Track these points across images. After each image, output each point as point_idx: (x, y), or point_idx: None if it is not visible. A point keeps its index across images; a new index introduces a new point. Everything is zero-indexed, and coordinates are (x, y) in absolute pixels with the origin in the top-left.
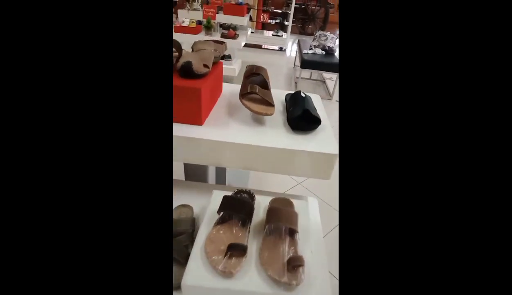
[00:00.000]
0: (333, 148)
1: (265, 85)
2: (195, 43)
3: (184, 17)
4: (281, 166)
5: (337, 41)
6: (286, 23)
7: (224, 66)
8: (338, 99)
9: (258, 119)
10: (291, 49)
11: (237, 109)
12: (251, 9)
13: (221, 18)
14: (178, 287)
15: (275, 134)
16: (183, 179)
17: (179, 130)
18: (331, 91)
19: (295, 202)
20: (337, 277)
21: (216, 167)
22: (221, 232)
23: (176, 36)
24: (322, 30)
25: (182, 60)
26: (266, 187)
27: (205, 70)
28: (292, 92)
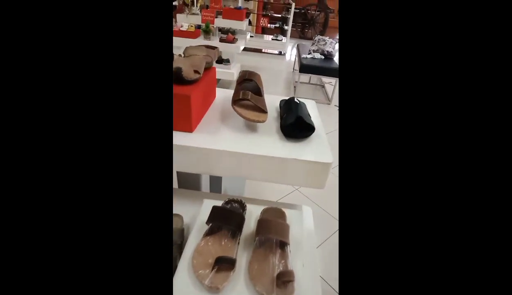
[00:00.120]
0: (327, 156)
1: (258, 91)
2: (186, 48)
3: (183, 21)
4: (273, 175)
5: (336, 46)
6: (285, 27)
7: (222, 70)
8: (337, 104)
9: (251, 126)
10: (291, 54)
11: (230, 116)
12: (251, 14)
13: (220, 22)
14: None
15: (267, 142)
16: (176, 186)
17: None
18: (330, 95)
19: (288, 211)
20: (333, 286)
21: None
22: (210, 243)
23: (175, 40)
24: (322, 34)
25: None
26: (262, 193)
27: (195, 76)
28: (287, 98)
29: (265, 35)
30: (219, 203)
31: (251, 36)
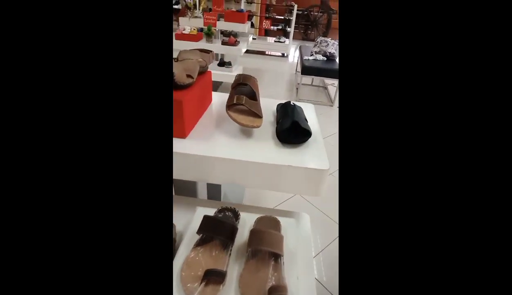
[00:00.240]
0: (323, 162)
1: (253, 95)
2: (180, 52)
3: (186, 24)
4: (267, 182)
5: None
6: (288, 29)
7: (224, 73)
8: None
9: (246, 131)
10: (294, 55)
11: (225, 121)
12: (254, 16)
13: (222, 25)
14: None
15: (262, 148)
16: (173, 192)
17: None
18: (332, 97)
19: (284, 219)
20: (334, 294)
21: None
22: (200, 254)
23: (177, 44)
24: (325, 36)
25: None
26: (263, 198)
27: (188, 81)
28: (284, 102)
29: (268, 38)
30: (212, 211)
31: (253, 39)
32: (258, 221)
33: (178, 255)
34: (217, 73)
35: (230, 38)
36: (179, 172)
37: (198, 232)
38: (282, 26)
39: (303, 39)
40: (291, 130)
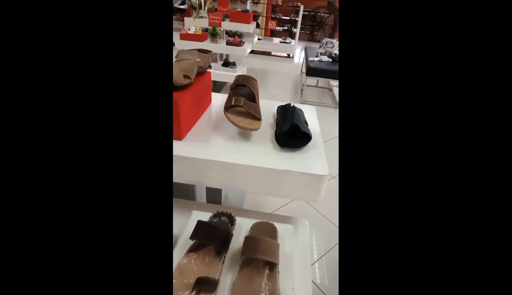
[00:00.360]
0: (322, 168)
1: (252, 97)
2: (178, 52)
3: (191, 24)
4: (264, 187)
5: None
6: (294, 30)
7: (228, 73)
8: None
9: (244, 134)
10: (300, 56)
11: (223, 123)
12: (259, 17)
13: (227, 25)
14: None
15: (260, 152)
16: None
17: None
18: (337, 99)
19: (281, 225)
20: None
21: None
22: (193, 261)
23: (182, 43)
24: (331, 37)
25: None
26: (265, 200)
27: (185, 81)
28: (283, 104)
29: (274, 38)
30: (208, 215)
31: (259, 39)
32: (254, 227)
33: None
34: (221, 74)
35: (235, 39)
36: (174, 174)
37: (191, 237)
38: (288, 27)
39: (309, 40)
40: (290, 133)
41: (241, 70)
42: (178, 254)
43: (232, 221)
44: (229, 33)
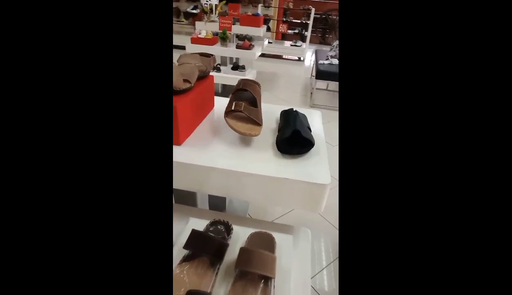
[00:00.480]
0: (324, 177)
1: (253, 102)
2: (180, 56)
3: (202, 28)
4: (264, 195)
5: None
6: (305, 33)
7: (237, 77)
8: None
9: (245, 139)
10: (311, 59)
11: (224, 128)
12: (271, 20)
13: (238, 29)
14: None
15: (260, 158)
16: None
17: None
18: None
19: (281, 235)
20: None
21: None
22: (185, 272)
23: (193, 47)
24: None
25: None
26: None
27: (185, 85)
28: (286, 108)
29: (285, 41)
30: (206, 223)
31: (269, 42)
32: (251, 237)
33: None
34: (230, 77)
35: (245, 42)
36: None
37: (185, 247)
38: (299, 30)
39: (320, 43)
40: (292, 139)
41: (250, 74)
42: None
43: (229, 230)
44: (239, 37)
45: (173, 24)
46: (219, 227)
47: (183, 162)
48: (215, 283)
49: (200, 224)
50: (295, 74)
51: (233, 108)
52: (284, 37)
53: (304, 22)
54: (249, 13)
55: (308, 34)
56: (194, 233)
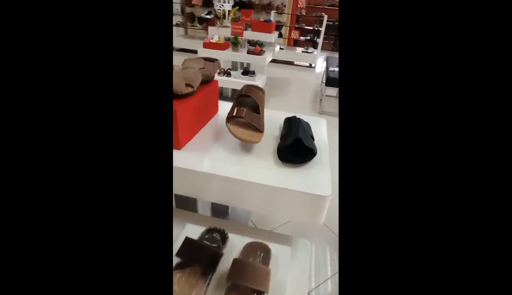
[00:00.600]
0: (324, 188)
1: (256, 108)
2: (185, 61)
3: (214, 33)
4: (262, 204)
5: None
6: (317, 40)
7: (246, 82)
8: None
9: (246, 146)
10: (322, 66)
11: (226, 134)
12: (283, 27)
13: (249, 35)
14: None
15: (260, 166)
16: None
17: None
18: None
19: (278, 247)
20: None
21: None
22: (176, 280)
23: (205, 51)
24: None
25: None
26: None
27: (187, 90)
28: (290, 116)
29: (297, 48)
30: (201, 229)
31: (281, 49)
32: (247, 247)
33: None
34: (239, 82)
35: (256, 48)
36: None
37: (177, 254)
38: (311, 37)
39: (333, 50)
40: (293, 148)
41: (260, 79)
42: None
43: (224, 238)
44: (251, 43)
45: (188, 29)
46: (214, 235)
47: (182, 167)
48: (206, 293)
49: (197, 231)
50: (305, 80)
51: (234, 114)
52: (296, 43)
53: (316, 29)
54: (261, 19)
55: (320, 41)
56: (187, 240)
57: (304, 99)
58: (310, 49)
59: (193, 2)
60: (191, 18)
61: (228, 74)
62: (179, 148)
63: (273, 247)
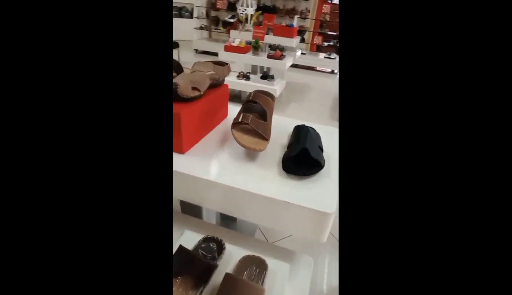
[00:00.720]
0: (328, 204)
1: (263, 115)
2: (194, 64)
3: (236, 37)
4: (261, 216)
5: None
6: None
7: (265, 86)
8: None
9: (251, 153)
10: None
11: (232, 139)
12: (306, 32)
13: (270, 39)
14: None
15: (263, 176)
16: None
17: None
18: None
19: (277, 263)
20: None
21: None
22: None
23: (225, 55)
24: None
25: None
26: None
27: (193, 94)
28: (300, 124)
29: (319, 53)
30: (200, 237)
31: (302, 53)
32: (243, 261)
33: None
34: (257, 86)
35: (276, 52)
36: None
37: None
38: (334, 43)
39: None
40: (299, 158)
41: (279, 84)
42: None
43: (221, 249)
44: (272, 47)
45: (212, 32)
46: (211, 244)
47: (183, 172)
48: None
49: (194, 238)
50: (326, 87)
51: (240, 120)
52: (318, 49)
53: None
54: (283, 24)
55: None
56: (180, 250)
57: (323, 106)
58: (333, 55)
59: (218, 6)
60: (215, 21)
61: (247, 78)
62: (182, 152)
63: (271, 262)
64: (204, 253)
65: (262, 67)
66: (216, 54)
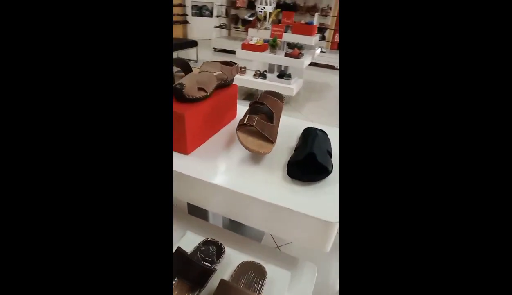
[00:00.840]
0: (331, 213)
1: (270, 116)
2: (202, 64)
3: (254, 35)
4: (263, 222)
5: None
6: None
7: (281, 85)
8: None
9: (256, 157)
10: None
11: (238, 141)
12: (327, 30)
13: (289, 37)
14: None
15: (267, 181)
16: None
17: None
18: None
19: (277, 270)
20: None
21: None
22: None
23: (243, 53)
24: None
25: (176, 82)
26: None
27: (199, 94)
28: (309, 126)
29: None
30: (201, 239)
31: (322, 52)
32: (241, 266)
33: None
34: (273, 85)
35: (294, 50)
36: (174, 190)
37: None
38: None
39: None
40: (305, 163)
41: (296, 83)
42: None
43: (220, 253)
44: (290, 45)
45: (230, 30)
46: (210, 248)
47: (186, 173)
48: None
49: (195, 240)
50: None
51: (245, 122)
52: None
53: None
54: (303, 22)
55: None
56: (178, 252)
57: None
58: None
59: (237, 5)
60: (235, 20)
61: (264, 77)
62: (186, 153)
63: (272, 269)
64: (202, 256)
65: (279, 66)
66: (234, 52)
